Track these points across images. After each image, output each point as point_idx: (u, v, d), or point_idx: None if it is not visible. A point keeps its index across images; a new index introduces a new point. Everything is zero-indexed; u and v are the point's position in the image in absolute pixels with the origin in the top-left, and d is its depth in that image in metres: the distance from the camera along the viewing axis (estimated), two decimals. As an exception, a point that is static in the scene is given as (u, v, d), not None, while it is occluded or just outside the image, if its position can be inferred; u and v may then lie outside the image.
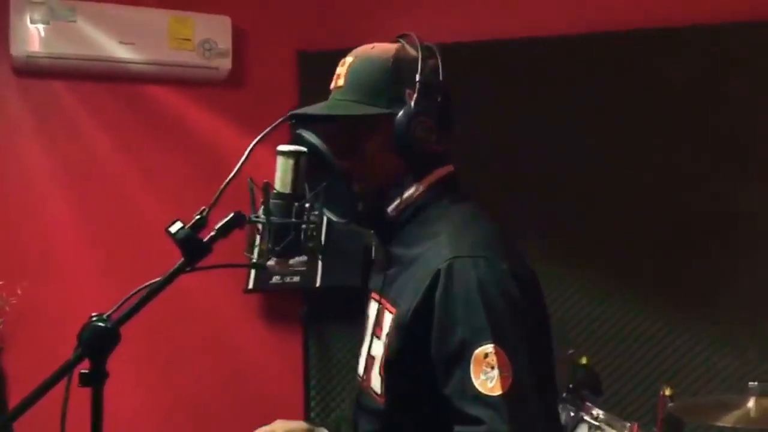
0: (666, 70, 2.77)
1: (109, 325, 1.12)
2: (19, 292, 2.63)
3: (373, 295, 1.39)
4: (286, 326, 3.20)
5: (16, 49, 2.66)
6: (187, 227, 1.17)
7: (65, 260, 2.86)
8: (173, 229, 1.17)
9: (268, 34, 3.17)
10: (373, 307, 1.38)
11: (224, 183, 1.20)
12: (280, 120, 1.31)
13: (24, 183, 2.81)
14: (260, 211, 1.23)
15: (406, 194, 1.34)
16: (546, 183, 2.85)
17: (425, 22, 3.02)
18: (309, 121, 1.42)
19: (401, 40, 1.39)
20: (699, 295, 2.69)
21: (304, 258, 2.97)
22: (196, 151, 3.02)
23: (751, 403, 2.02)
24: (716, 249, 2.68)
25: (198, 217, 1.19)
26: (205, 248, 1.18)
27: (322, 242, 1.27)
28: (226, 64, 2.97)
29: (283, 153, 1.25)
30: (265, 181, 1.22)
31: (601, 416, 2.24)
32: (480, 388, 1.15)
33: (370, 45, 1.38)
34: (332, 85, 1.38)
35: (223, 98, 3.08)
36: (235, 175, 1.21)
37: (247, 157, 1.24)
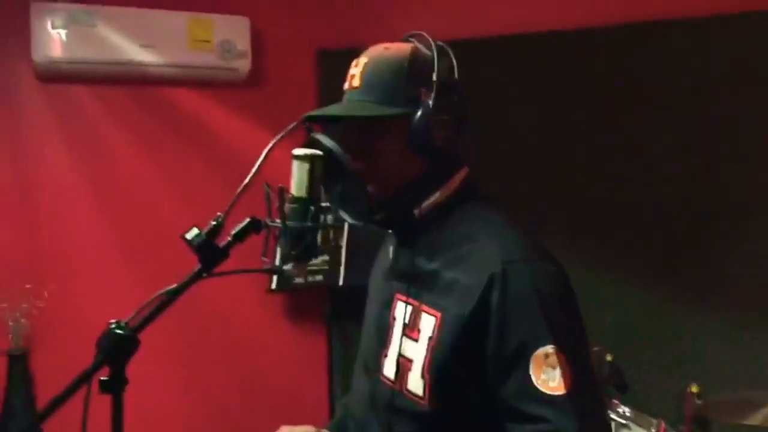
0: (687, 62, 2.74)
1: (127, 332, 1.14)
2: (46, 295, 2.66)
3: (398, 296, 1.39)
4: (309, 326, 3.21)
5: (38, 55, 2.69)
6: (203, 233, 1.18)
7: (89, 263, 2.89)
8: (189, 235, 1.17)
9: (286, 34, 3.17)
10: (400, 309, 1.37)
11: (239, 189, 1.20)
12: (294, 124, 1.31)
13: (48, 188, 2.84)
14: (277, 216, 1.23)
15: (432, 197, 1.35)
16: (566, 177, 2.83)
17: (443, 17, 3.02)
18: (325, 123, 1.43)
19: (412, 39, 1.39)
20: (728, 291, 2.65)
21: (326, 257, 2.98)
22: (217, 153, 3.04)
23: (780, 400, 2.00)
24: (749, 244, 2.64)
25: (214, 223, 1.20)
26: (222, 254, 1.19)
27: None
28: (245, 64, 2.98)
29: (298, 157, 1.25)
30: (279, 185, 1.22)
31: (627, 413, 2.22)
32: (542, 388, 1.17)
33: (383, 45, 1.37)
34: (346, 86, 1.38)
35: (242, 99, 3.09)
36: (251, 179, 1.22)
37: (262, 161, 1.24)
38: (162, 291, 1.17)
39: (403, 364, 1.33)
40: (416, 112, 1.29)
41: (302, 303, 3.19)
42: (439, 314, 1.28)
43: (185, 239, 1.17)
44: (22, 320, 2.66)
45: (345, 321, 3.15)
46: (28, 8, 2.66)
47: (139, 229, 2.94)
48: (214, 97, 3.05)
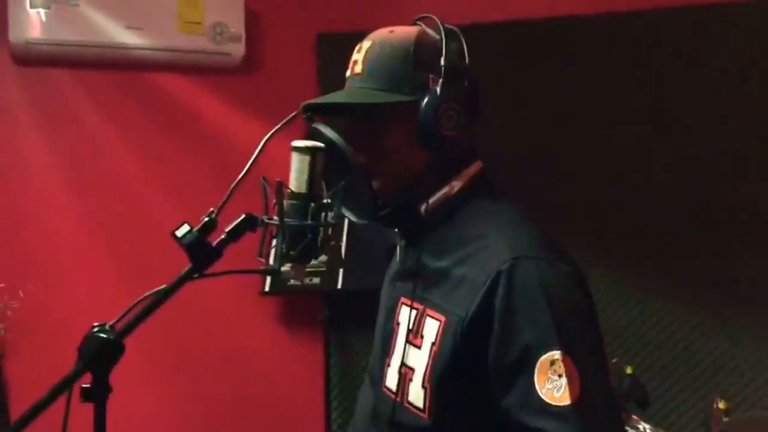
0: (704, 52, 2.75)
1: (111, 336, 1.13)
2: (21, 295, 2.66)
3: (403, 300, 1.38)
4: (305, 331, 3.21)
5: (15, 36, 2.69)
6: (194, 230, 1.18)
7: (70, 261, 2.89)
8: (180, 232, 1.16)
9: (283, 15, 3.17)
10: (404, 313, 1.36)
11: (234, 183, 1.20)
12: (293, 114, 1.30)
13: (25, 179, 2.84)
14: (274, 213, 1.22)
15: (441, 192, 1.34)
16: (589, 181, 2.84)
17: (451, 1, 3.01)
18: (325, 113, 1.42)
19: (419, 23, 1.38)
20: (757, 302, 2.64)
21: (323, 258, 2.98)
22: (208, 144, 3.04)
23: (813, 418, 1.99)
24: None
25: (206, 219, 1.19)
26: (214, 254, 1.18)
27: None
28: (238, 49, 2.98)
29: (297, 149, 1.24)
30: (278, 180, 1.21)
31: (648, 430, 2.22)
32: (546, 398, 1.14)
33: (388, 29, 1.37)
34: (348, 73, 1.37)
35: (235, 86, 3.09)
36: (246, 173, 1.21)
37: (259, 154, 1.24)
38: (150, 292, 1.17)
39: (405, 374, 1.32)
40: (423, 99, 1.29)
41: (298, 307, 3.20)
42: (443, 318, 1.26)
43: (175, 236, 1.17)
44: (-5, 322, 2.67)
45: (343, 326, 3.16)
46: (6, -15, 2.67)
47: (126, 225, 2.94)
48: (205, 83, 3.05)
